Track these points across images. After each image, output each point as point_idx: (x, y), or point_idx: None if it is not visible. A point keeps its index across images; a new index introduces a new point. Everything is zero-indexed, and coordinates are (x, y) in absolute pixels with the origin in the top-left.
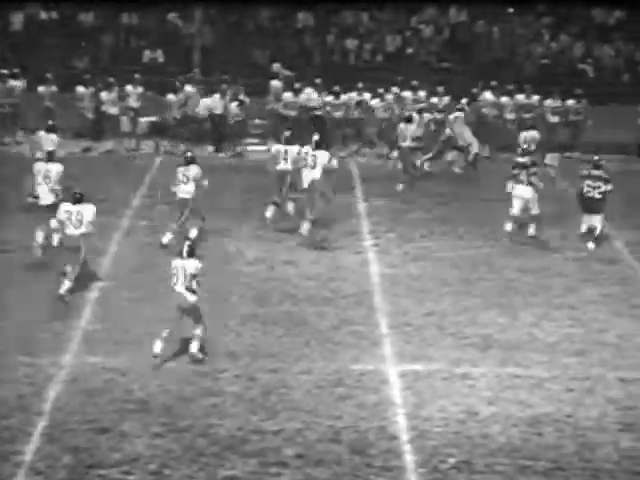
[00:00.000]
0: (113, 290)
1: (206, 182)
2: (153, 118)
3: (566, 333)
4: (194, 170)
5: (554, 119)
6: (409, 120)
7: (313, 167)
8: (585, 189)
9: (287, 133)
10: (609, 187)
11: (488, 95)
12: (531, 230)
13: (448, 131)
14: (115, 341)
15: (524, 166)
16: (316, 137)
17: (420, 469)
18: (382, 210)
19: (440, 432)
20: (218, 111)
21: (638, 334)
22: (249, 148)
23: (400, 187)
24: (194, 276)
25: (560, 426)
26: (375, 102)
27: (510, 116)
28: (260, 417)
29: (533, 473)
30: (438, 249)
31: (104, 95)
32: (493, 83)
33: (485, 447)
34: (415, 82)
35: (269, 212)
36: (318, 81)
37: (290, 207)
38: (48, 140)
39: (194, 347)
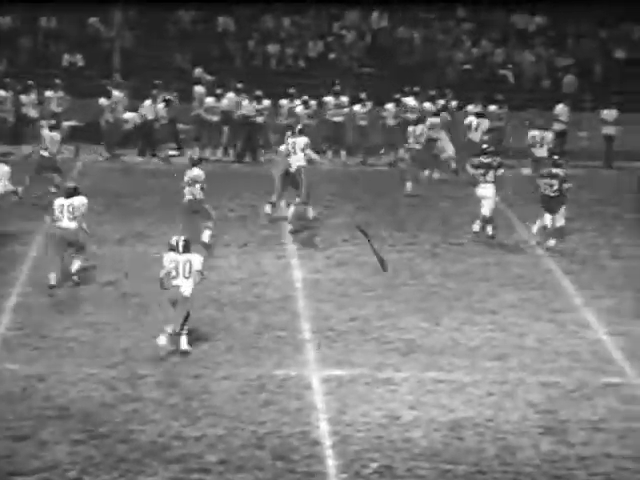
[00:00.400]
0: (32, 296)
1: (203, 186)
2: (74, 122)
3: (487, 337)
4: (196, 172)
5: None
6: (418, 122)
7: (295, 152)
8: (542, 187)
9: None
10: (565, 185)
11: (411, 100)
12: (475, 227)
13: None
14: (34, 347)
15: (490, 166)
16: (299, 126)
17: (342, 474)
18: (305, 214)
19: (362, 437)
20: (150, 116)
21: (557, 338)
22: (170, 152)
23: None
24: (200, 271)
25: (481, 430)
26: (300, 109)
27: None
28: (182, 423)
29: (454, 477)
30: (361, 254)
31: (24, 98)
32: (415, 89)
33: (407, 451)
34: (338, 87)
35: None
36: (240, 86)
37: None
38: (52, 138)
39: (161, 340)
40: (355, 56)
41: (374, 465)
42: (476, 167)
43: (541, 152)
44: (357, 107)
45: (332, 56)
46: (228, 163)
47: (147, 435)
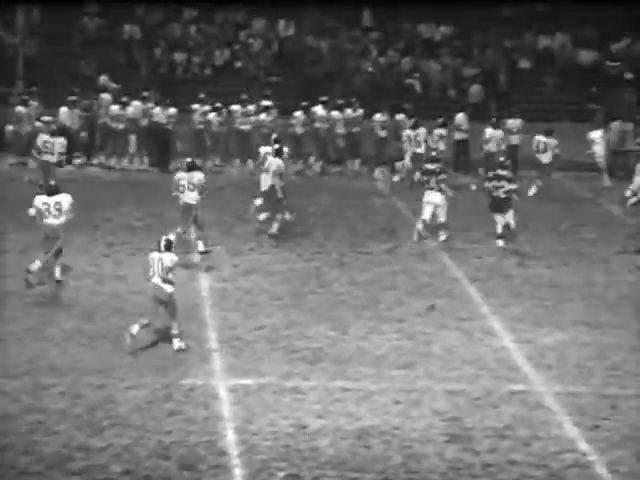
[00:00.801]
0: None
1: (207, 191)
2: None
3: (394, 346)
4: (198, 176)
5: (383, 133)
6: (415, 126)
7: (267, 171)
8: (491, 190)
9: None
10: (513, 186)
11: (319, 109)
12: (442, 237)
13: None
14: None
15: (433, 173)
16: (277, 145)
17: None
18: (211, 223)
19: (269, 446)
20: (68, 123)
21: (463, 346)
22: (76, 162)
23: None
24: (170, 269)
25: (387, 438)
26: (212, 116)
27: (341, 130)
28: (86, 434)
29: None
30: (268, 263)
31: None
32: (324, 98)
33: (314, 460)
34: (245, 96)
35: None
36: (146, 94)
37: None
38: (54, 144)
39: (176, 345)
40: (262, 64)
41: (281, 474)
42: (422, 173)
43: (546, 158)
44: (264, 115)
45: (239, 64)
46: (134, 171)
47: (51, 446)
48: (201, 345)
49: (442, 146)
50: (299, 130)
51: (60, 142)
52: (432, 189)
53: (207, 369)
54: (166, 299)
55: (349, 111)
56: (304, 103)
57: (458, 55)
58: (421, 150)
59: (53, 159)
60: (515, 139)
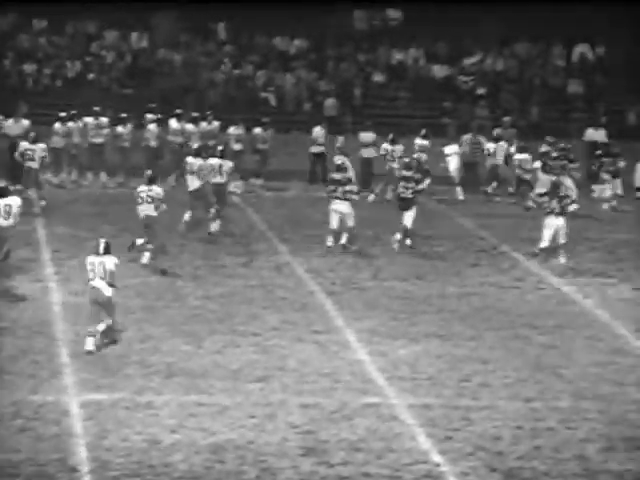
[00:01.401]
0: None
1: (164, 205)
2: None
3: (249, 360)
4: (156, 190)
5: (238, 147)
6: (394, 142)
7: (192, 173)
8: (400, 190)
9: (220, 148)
10: (420, 186)
11: (173, 122)
12: (344, 240)
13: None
14: None
15: (340, 182)
16: (220, 147)
17: None
18: (64, 238)
19: (122, 462)
20: None
21: (319, 359)
22: None
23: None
24: (113, 272)
25: (242, 452)
26: (71, 125)
27: (196, 143)
28: None
29: None
30: (122, 277)
31: None
32: (178, 110)
33: (167, 476)
34: (97, 108)
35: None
36: None
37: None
38: (38, 149)
39: (90, 342)
40: (115, 77)
41: None
42: (328, 183)
43: (529, 169)
44: (119, 128)
45: (91, 76)
46: None
47: None
48: (52, 360)
49: (424, 157)
50: (153, 143)
51: (41, 148)
52: (338, 198)
53: (58, 385)
54: (104, 301)
55: (204, 124)
56: (158, 116)
57: (313, 69)
58: (396, 165)
59: (35, 165)
60: (368, 152)
